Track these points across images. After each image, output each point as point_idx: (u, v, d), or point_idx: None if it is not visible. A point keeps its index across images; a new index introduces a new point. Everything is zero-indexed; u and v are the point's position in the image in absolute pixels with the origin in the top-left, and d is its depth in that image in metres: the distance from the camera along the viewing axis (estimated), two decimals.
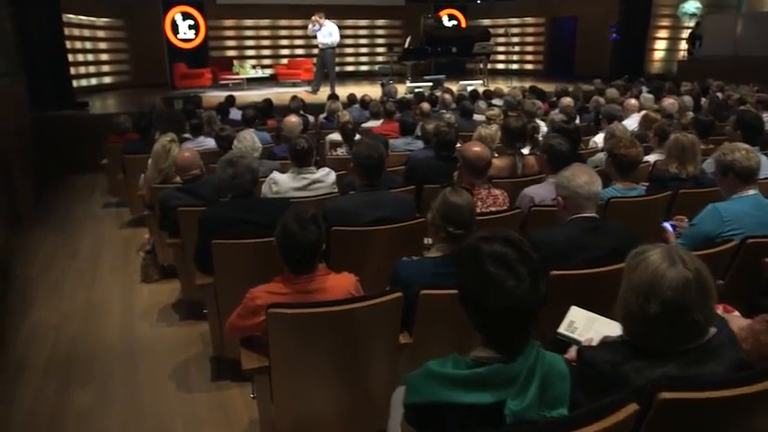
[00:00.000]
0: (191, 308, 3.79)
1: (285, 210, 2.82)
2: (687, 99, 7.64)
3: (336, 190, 3.67)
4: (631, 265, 1.43)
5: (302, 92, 11.02)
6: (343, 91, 9.81)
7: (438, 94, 9.55)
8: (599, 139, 5.44)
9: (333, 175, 3.69)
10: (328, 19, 12.20)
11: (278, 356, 1.94)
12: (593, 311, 2.01)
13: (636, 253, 1.44)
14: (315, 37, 12.22)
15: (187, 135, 6.13)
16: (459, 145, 4.02)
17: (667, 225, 3.11)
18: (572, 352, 1.78)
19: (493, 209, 3.05)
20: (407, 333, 2.09)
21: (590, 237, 2.26)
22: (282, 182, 3.51)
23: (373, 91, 10.41)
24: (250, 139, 4.30)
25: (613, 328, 1.98)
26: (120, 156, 5.82)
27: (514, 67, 19.01)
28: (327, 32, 11.92)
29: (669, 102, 6.97)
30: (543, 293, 1.26)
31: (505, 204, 3.14)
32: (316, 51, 12.85)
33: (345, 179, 3.77)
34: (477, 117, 7.03)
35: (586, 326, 1.97)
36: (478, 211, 3.03)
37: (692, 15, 15.74)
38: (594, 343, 1.83)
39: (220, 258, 2.64)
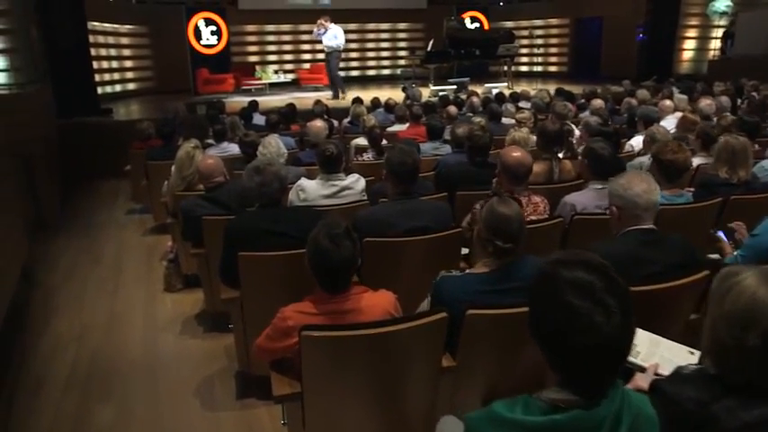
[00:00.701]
0: (215, 320, 3.67)
1: (315, 219, 2.68)
2: (724, 99, 7.35)
3: (366, 197, 3.52)
4: (721, 290, 1.24)
5: (324, 97, 10.87)
6: (365, 95, 9.68)
7: (463, 96, 9.38)
8: (635, 142, 5.21)
9: (362, 182, 3.53)
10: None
11: (311, 381, 1.79)
12: (655, 333, 1.83)
13: (726, 275, 1.26)
14: (320, 41, 12.07)
15: (210, 141, 6.05)
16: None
17: (722, 234, 2.90)
18: (638, 381, 1.60)
19: (533, 218, 2.87)
20: (450, 355, 1.92)
21: (649, 250, 2.06)
22: (310, 189, 3.36)
23: (395, 94, 10.24)
24: (275, 145, 4.17)
25: (680, 353, 1.79)
26: (143, 162, 5.76)
27: (538, 69, 18.70)
28: (332, 35, 11.75)
29: (706, 102, 6.70)
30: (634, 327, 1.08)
31: (546, 213, 2.95)
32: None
33: (374, 186, 3.61)
34: (505, 120, 6.84)
35: (650, 350, 1.78)
36: None
37: (723, 14, 15.32)
38: (662, 370, 1.65)
39: (247, 272, 2.50)
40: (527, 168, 2.88)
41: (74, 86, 9.19)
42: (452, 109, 6.56)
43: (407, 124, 6.76)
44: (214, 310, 3.59)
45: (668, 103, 6.78)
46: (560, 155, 4.10)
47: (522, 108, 7.08)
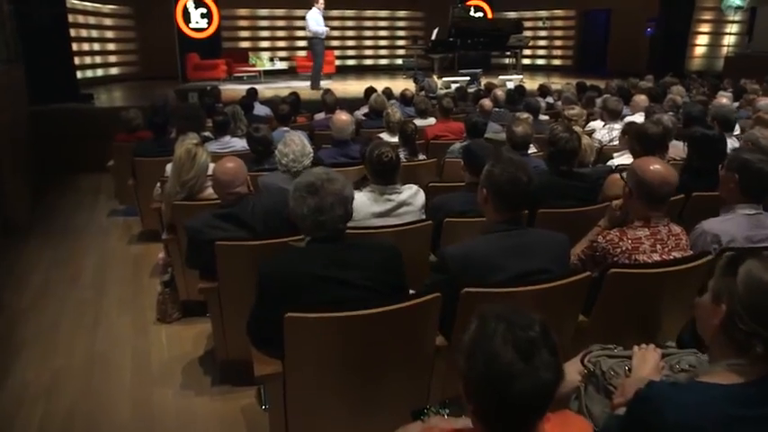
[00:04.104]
0: (225, 369, 2.85)
1: (393, 259, 1.89)
2: None
3: (425, 216, 2.74)
4: None
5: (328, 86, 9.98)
6: (361, 85, 8.86)
7: (473, 89, 8.64)
8: None
9: (422, 196, 2.74)
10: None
11: None
12: None
13: None
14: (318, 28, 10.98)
15: (208, 134, 5.20)
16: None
17: None
18: None
19: (676, 254, 2.10)
20: None
21: None
22: (359, 204, 2.55)
23: (395, 85, 9.32)
24: (299, 143, 3.33)
25: None
26: (129, 157, 4.90)
27: (540, 62, 17.99)
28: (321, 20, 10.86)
29: (766, 101, 6.03)
30: None
31: (688, 247, 2.19)
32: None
33: (435, 200, 2.83)
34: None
35: None
36: (658, 258, 2.09)
37: (738, 8, 14.73)
38: None
39: (296, 338, 1.70)
40: (672, 188, 2.12)
41: (51, 69, 8.23)
42: (487, 103, 5.79)
43: (432, 119, 5.98)
44: (225, 357, 2.78)
45: (725, 101, 6.07)
46: None
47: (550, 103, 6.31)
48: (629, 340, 2.22)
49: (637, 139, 3.06)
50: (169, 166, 3.82)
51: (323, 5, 10.66)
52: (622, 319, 2.12)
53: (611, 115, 5.28)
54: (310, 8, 11.38)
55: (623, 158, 4.27)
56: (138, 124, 5.61)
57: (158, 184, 3.94)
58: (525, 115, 4.80)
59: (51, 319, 3.59)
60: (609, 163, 4.22)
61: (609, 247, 2.10)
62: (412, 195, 2.69)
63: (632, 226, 2.12)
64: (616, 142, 5.19)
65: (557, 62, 17.80)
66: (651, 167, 2.10)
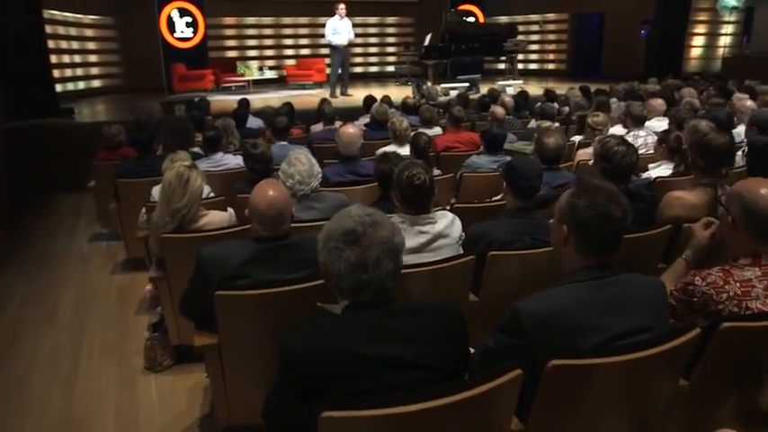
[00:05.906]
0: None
1: (455, 323, 1.43)
2: None
3: (462, 249, 2.31)
4: None
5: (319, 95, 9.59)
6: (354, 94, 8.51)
7: (474, 95, 8.29)
8: None
9: (458, 225, 2.30)
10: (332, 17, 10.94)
11: None
12: None
13: None
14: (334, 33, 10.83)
15: (197, 150, 4.75)
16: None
17: None
18: None
19: None
20: None
21: None
22: None
23: (389, 93, 8.91)
24: (305, 161, 2.89)
25: None
26: (111, 178, 4.43)
27: (533, 66, 17.69)
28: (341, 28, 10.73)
29: None
30: None
31: None
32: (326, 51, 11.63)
33: (472, 228, 2.39)
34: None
35: None
36: None
37: (733, 9, 14.54)
38: None
39: None
40: None
41: (28, 83, 7.75)
42: (500, 110, 5.38)
43: (438, 128, 5.57)
44: (228, 423, 2.32)
45: (749, 103, 5.72)
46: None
47: (577, 110, 5.93)
48: (731, 407, 1.81)
49: (699, 153, 2.64)
50: (155, 189, 3.39)
51: (344, 11, 10.35)
52: (727, 381, 1.70)
53: (636, 121, 4.89)
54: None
55: (660, 170, 3.90)
56: (120, 141, 5.15)
57: (143, 211, 3.48)
58: (547, 123, 4.41)
59: (22, 372, 3.11)
60: (645, 175, 3.84)
61: (712, 293, 1.68)
62: (448, 225, 2.25)
63: (738, 265, 1.70)
64: (642, 150, 4.83)
65: (550, 66, 17.50)
66: (762, 191, 1.68)
